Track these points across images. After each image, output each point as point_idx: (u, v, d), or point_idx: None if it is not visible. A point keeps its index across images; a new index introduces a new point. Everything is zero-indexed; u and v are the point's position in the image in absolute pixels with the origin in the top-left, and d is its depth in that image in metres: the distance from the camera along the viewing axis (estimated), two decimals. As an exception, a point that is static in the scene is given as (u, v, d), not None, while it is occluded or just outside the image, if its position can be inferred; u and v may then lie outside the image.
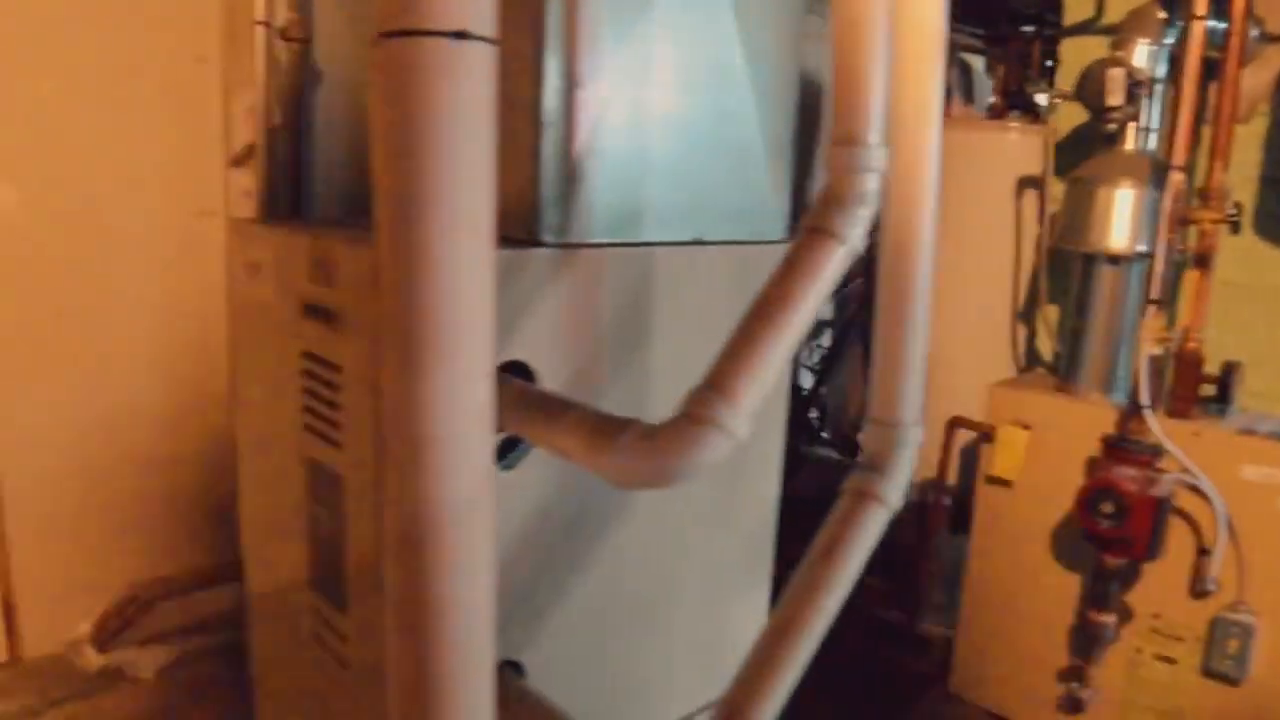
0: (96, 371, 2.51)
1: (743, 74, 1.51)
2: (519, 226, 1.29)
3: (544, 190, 1.28)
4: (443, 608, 1.03)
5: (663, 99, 1.40)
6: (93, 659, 2.29)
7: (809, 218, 1.16)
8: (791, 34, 1.58)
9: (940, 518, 2.53)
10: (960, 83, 3.20)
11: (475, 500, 1.03)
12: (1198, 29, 1.63)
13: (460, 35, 0.91)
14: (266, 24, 1.51)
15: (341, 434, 1.24)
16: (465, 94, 0.93)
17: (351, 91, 1.69)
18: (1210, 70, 1.87)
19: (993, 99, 2.72)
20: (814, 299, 1.11)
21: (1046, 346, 2.54)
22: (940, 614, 2.71)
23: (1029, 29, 2.59)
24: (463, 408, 0.99)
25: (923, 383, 1.37)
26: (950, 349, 2.73)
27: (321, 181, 1.66)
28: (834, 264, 1.13)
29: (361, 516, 1.25)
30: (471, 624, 1.05)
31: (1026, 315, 2.70)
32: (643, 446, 1.06)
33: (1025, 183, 2.64)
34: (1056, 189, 2.32)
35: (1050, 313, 2.49)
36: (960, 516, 2.70)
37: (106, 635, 2.30)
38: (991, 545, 2.22)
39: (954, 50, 3.24)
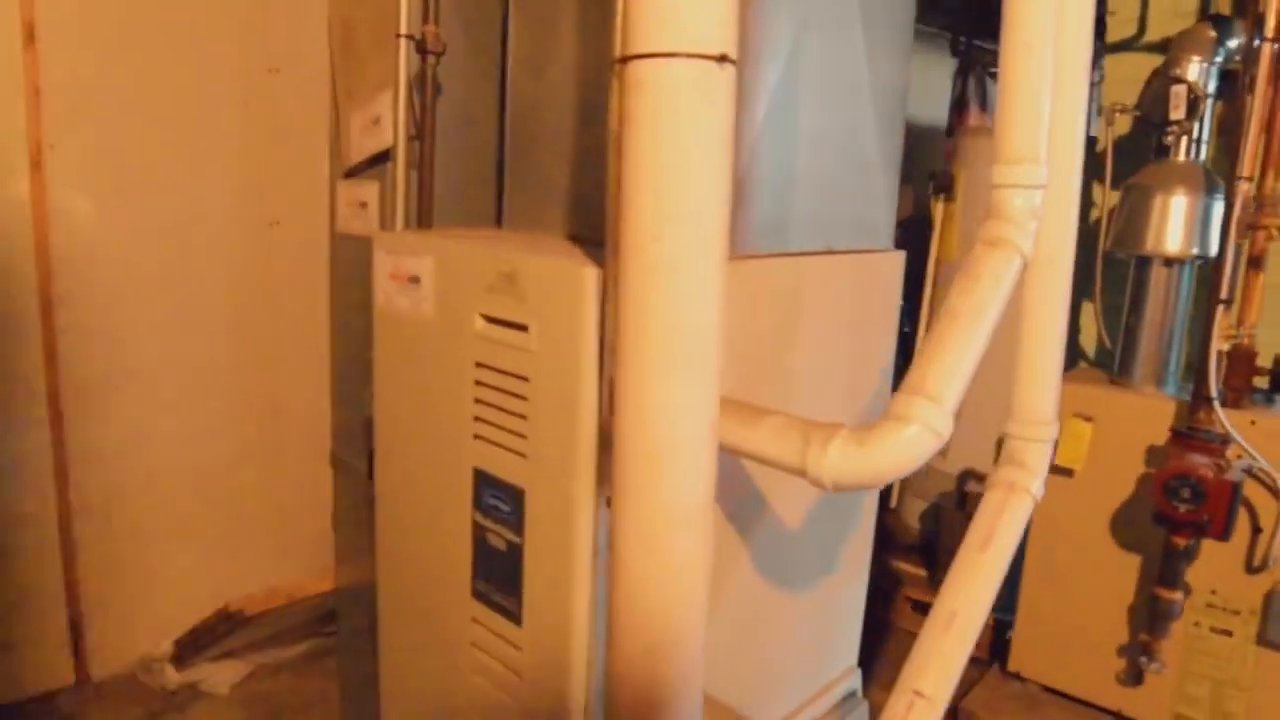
0: (166, 384, 2.48)
1: (867, 90, 1.58)
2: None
3: (716, 204, 1.32)
4: (672, 605, 1.08)
5: (807, 115, 1.46)
6: (172, 677, 2.27)
7: (987, 231, 1.24)
8: (905, 51, 1.66)
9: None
10: (977, 93, 3.34)
11: (706, 503, 1.08)
12: (1268, 50, 1.76)
13: (723, 59, 0.96)
14: (411, 37, 1.53)
15: (527, 446, 1.27)
16: (722, 115, 0.98)
17: (464, 105, 1.72)
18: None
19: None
20: (1001, 305, 1.18)
21: (1089, 343, 2.67)
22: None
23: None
24: (701, 415, 1.05)
25: (1059, 385, 1.46)
26: (990, 347, 2.83)
27: (440, 194, 1.68)
28: (1015, 272, 1.21)
29: (543, 528, 1.28)
30: (695, 618, 1.11)
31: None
32: (856, 450, 1.12)
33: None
34: (1103, 196, 2.44)
35: (1092, 311, 2.63)
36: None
37: (187, 652, 2.27)
38: (1052, 531, 2.33)
39: (974, 62, 3.38)
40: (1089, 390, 2.26)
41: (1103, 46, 2.48)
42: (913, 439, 1.10)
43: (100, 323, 2.37)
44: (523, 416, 1.27)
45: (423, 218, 1.64)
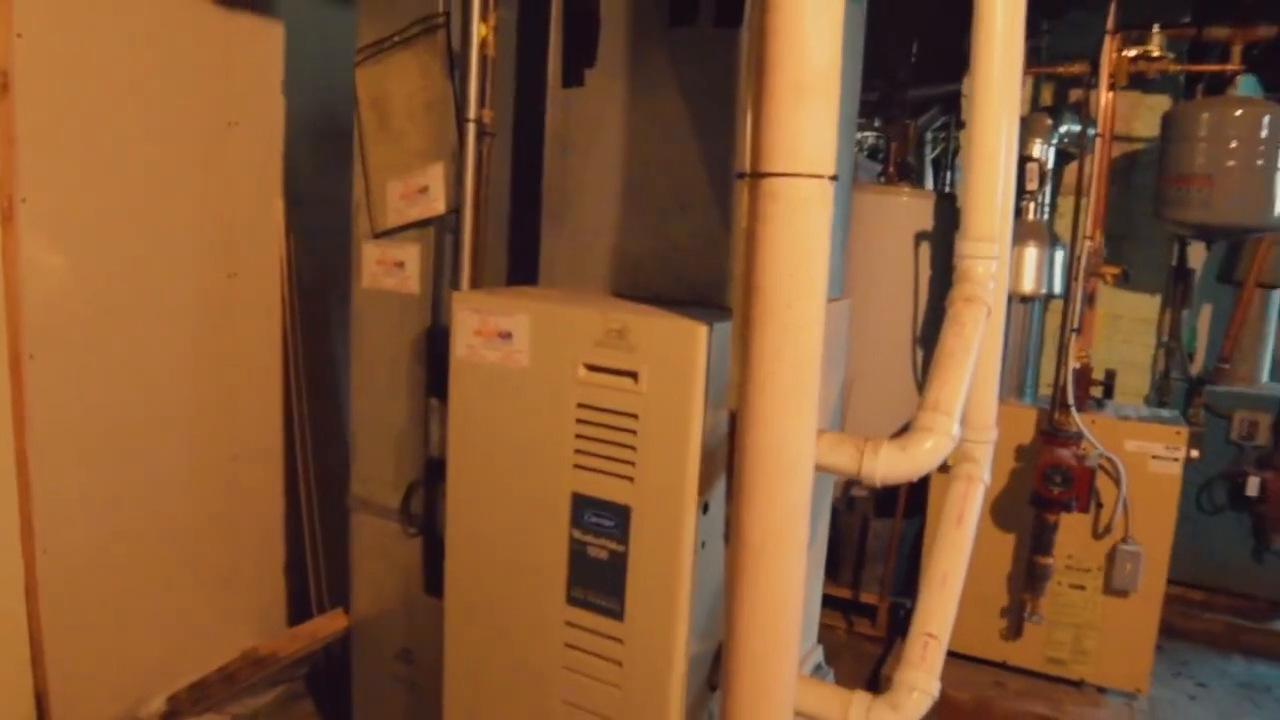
0: (131, 438, 2.45)
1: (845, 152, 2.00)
2: (714, 300, 1.69)
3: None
4: (788, 586, 1.41)
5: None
6: (165, 730, 2.27)
7: (961, 290, 1.67)
8: (853, 115, 2.09)
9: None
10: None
11: (809, 504, 1.42)
12: (1099, 144, 2.37)
13: (833, 178, 1.32)
14: (474, 122, 1.76)
15: (634, 471, 1.55)
16: (830, 217, 1.33)
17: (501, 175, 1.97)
18: (1060, 160, 2.64)
19: (890, 170, 3.42)
20: (978, 343, 1.61)
21: (956, 364, 3.26)
22: (877, 585, 3.35)
23: (920, 120, 3.33)
24: (810, 435, 1.39)
25: (996, 401, 1.93)
26: (868, 368, 3.39)
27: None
28: (983, 320, 1.65)
29: (647, 538, 1.56)
30: (800, 590, 1.44)
31: (924, 340, 3.42)
32: (900, 455, 1.50)
33: (919, 236, 3.37)
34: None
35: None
36: (885, 504, 3.36)
37: (178, 710, 2.27)
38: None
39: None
40: (972, 403, 2.81)
41: (956, 122, 3.09)
42: (938, 444, 1.50)
43: (70, 378, 2.34)
44: (631, 447, 1.55)
45: (475, 278, 1.87)
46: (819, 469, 1.54)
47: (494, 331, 1.68)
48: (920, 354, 3.43)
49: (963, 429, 1.90)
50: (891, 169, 3.43)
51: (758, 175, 1.31)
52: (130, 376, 2.48)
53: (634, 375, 1.54)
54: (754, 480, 1.38)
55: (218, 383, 2.68)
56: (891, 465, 1.49)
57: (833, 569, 3.32)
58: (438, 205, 1.87)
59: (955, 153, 3.91)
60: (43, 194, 2.23)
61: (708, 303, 1.75)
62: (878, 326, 3.44)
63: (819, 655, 2.37)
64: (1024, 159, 2.62)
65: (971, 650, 2.88)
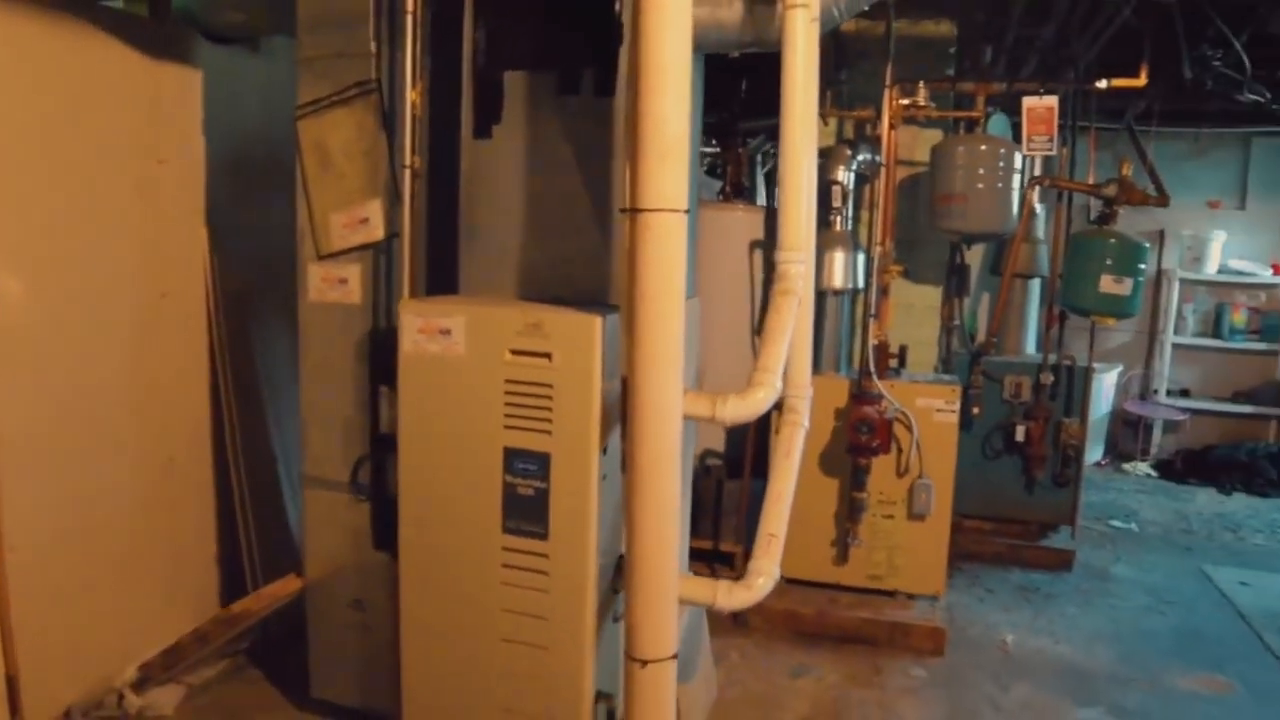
0: (79, 443, 2.74)
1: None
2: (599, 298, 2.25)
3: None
4: (669, 497, 1.99)
5: (668, 218, 2.44)
6: (134, 702, 2.58)
7: (778, 286, 2.31)
8: (696, 152, 2.70)
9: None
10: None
11: (680, 438, 2.01)
12: (884, 172, 3.10)
13: (686, 211, 1.91)
14: (409, 168, 2.25)
15: (551, 426, 2.09)
16: (686, 238, 1.92)
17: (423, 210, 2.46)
18: (859, 180, 3.39)
19: (727, 189, 4.11)
20: (792, 324, 2.26)
21: (789, 347, 3.97)
22: (733, 535, 4.01)
23: (751, 142, 4.03)
24: (678, 391, 1.98)
25: (809, 365, 2.58)
26: (716, 353, 4.04)
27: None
28: (795, 307, 2.29)
29: (564, 476, 2.10)
30: (677, 501, 2.02)
31: (760, 329, 4.11)
32: (742, 401, 2.11)
33: (753, 245, 4.06)
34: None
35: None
36: (734, 467, 4.03)
37: (147, 678, 2.59)
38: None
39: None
40: (801, 377, 3.51)
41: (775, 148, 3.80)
42: (766, 394, 2.13)
43: (27, 392, 2.62)
44: (548, 409, 2.09)
45: (413, 289, 2.35)
46: (689, 416, 2.14)
47: (435, 329, 2.18)
48: (758, 343, 4.12)
49: (785, 387, 2.56)
50: (728, 188, 4.11)
51: (635, 210, 1.89)
52: (77, 388, 2.77)
53: (548, 356, 2.08)
54: (642, 423, 1.95)
55: (153, 391, 2.99)
56: (736, 409, 2.10)
57: (696, 525, 3.95)
58: (377, 232, 2.34)
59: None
60: (3, 222, 2.51)
61: (595, 301, 2.32)
62: (722, 319, 4.10)
63: (692, 581, 2.97)
64: (830, 182, 3.34)
65: (809, 576, 3.57)
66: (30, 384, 2.63)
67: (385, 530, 2.45)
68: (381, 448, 2.45)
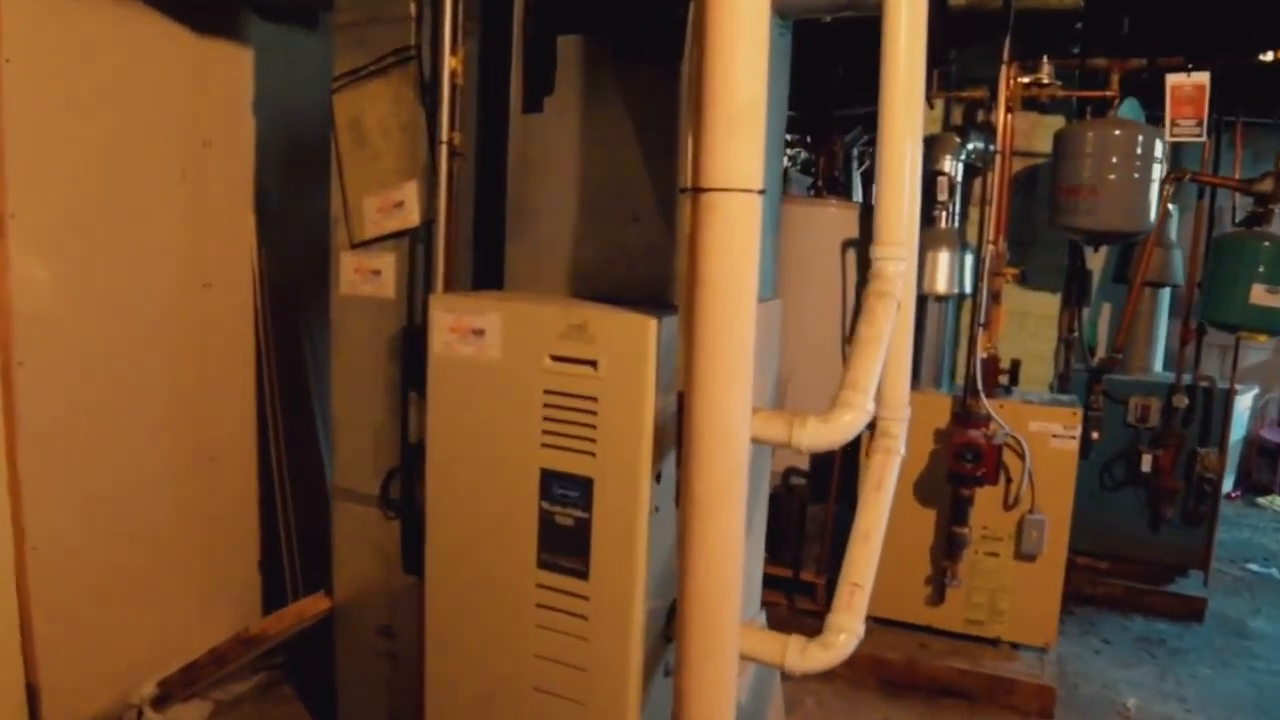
0: (114, 441, 2.59)
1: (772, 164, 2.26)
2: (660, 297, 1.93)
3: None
4: (728, 537, 1.65)
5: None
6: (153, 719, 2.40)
7: (874, 286, 1.95)
8: (781, 133, 2.35)
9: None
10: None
11: (745, 465, 1.67)
12: (999, 161, 2.69)
13: (761, 192, 1.57)
14: (446, 144, 1.98)
15: (595, 447, 1.78)
16: (759, 224, 1.58)
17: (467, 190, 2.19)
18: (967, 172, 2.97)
19: (819, 183, 3.73)
20: (889, 333, 1.89)
21: (882, 358, 3.57)
22: (815, 564, 3.63)
23: (847, 137, 3.64)
24: (745, 408, 1.64)
25: (909, 383, 2.21)
26: (802, 365, 3.68)
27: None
28: (894, 312, 1.92)
29: (609, 505, 1.79)
30: (740, 539, 1.68)
31: (852, 338, 3.72)
32: (824, 425, 1.76)
33: (846, 244, 3.67)
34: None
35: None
36: (820, 490, 3.65)
37: (169, 694, 2.41)
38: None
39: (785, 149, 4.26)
40: (895, 392, 3.11)
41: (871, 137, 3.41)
42: (855, 417, 1.76)
43: (57, 384, 2.47)
44: (592, 426, 1.78)
45: (448, 282, 2.08)
46: (758, 440, 1.80)
47: (468, 329, 1.90)
48: (848, 350, 3.73)
49: (879, 407, 2.19)
50: (820, 183, 3.73)
51: (699, 190, 1.56)
52: (113, 382, 2.62)
53: (594, 364, 1.77)
54: (699, 449, 1.62)
55: (195, 388, 2.83)
56: (817, 434, 1.75)
57: (775, 550, 3.59)
58: (412, 218, 2.08)
59: (879, 166, 4.24)
60: (31, 210, 2.37)
61: (655, 301, 2.00)
62: (810, 326, 3.73)
63: (762, 621, 2.63)
64: (935, 173, 2.93)
65: (899, 616, 3.17)
66: (61, 377, 2.48)
67: (416, 553, 2.19)
68: (413, 460, 2.19)
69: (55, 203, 2.44)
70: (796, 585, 3.63)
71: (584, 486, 1.82)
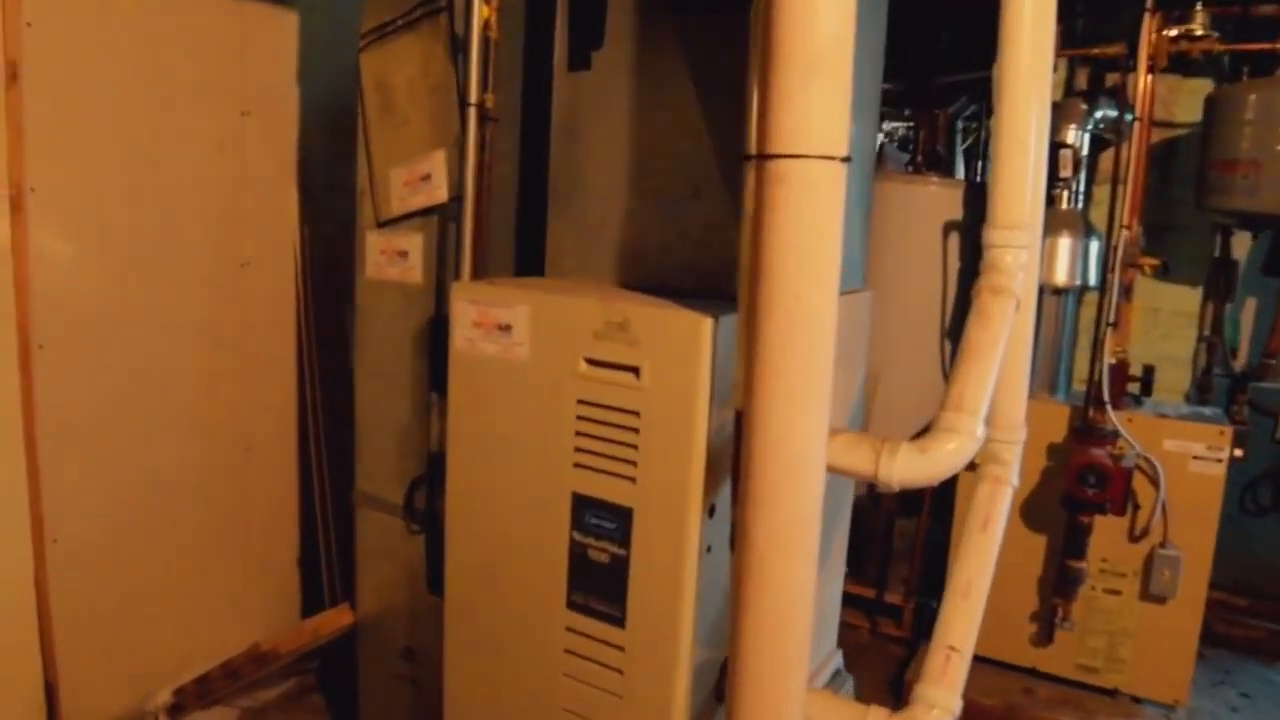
0: (140, 427, 2.43)
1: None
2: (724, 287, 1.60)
3: (776, 260, 1.59)
4: (796, 597, 1.33)
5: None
6: (166, 728, 2.24)
7: (988, 280, 1.58)
8: (876, 116, 1.99)
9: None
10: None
11: (819, 508, 1.34)
12: (1139, 128, 2.25)
13: (846, 159, 1.23)
14: (479, 105, 1.69)
15: (636, 471, 1.48)
16: (843, 200, 1.24)
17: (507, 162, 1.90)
18: (1096, 145, 2.51)
19: (918, 158, 3.31)
20: (1006, 337, 1.52)
21: (986, 358, 3.15)
22: (902, 585, 3.25)
23: (950, 108, 3.21)
24: (820, 435, 1.31)
25: (1025, 399, 1.83)
26: (895, 364, 3.28)
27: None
28: (1013, 312, 1.55)
29: (650, 540, 1.49)
30: (809, 600, 1.36)
31: (952, 334, 3.31)
32: (918, 456, 1.41)
33: (949, 227, 3.25)
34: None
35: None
36: (911, 502, 3.26)
37: (184, 704, 2.25)
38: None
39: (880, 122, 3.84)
40: (1001, 399, 2.70)
41: (985, 109, 2.98)
42: (961, 446, 1.41)
43: (79, 367, 2.32)
44: (633, 446, 1.48)
45: (477, 269, 1.80)
46: (833, 471, 1.46)
47: (493, 323, 1.62)
48: (949, 348, 3.32)
49: (989, 428, 1.81)
50: (920, 158, 3.31)
51: (764, 157, 1.23)
52: (141, 367, 2.45)
53: (635, 370, 1.47)
54: (760, 483, 1.30)
55: (230, 373, 2.65)
56: (910, 468, 1.41)
57: (857, 567, 3.24)
58: (440, 193, 1.82)
59: (986, 141, 3.77)
60: (51, 183, 2.20)
61: (718, 293, 1.67)
62: (904, 320, 3.32)
63: (838, 660, 2.29)
64: (1057, 145, 2.50)
65: (1000, 655, 2.77)
66: (84, 360, 2.32)
67: (440, 571, 1.94)
68: (437, 470, 1.93)
69: (79, 176, 2.27)
70: (880, 607, 3.27)
71: (622, 517, 1.52)
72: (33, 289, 2.19)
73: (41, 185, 2.18)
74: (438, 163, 1.81)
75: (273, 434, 2.84)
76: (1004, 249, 1.58)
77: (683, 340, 1.41)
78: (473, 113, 1.70)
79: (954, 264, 3.23)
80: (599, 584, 1.56)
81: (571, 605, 1.59)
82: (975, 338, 1.51)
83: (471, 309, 1.64)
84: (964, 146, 4.45)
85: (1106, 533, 2.56)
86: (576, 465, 1.55)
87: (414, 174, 1.85)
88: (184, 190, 2.50)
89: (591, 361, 1.51)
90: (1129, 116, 2.40)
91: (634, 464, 1.48)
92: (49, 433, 2.26)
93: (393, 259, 1.93)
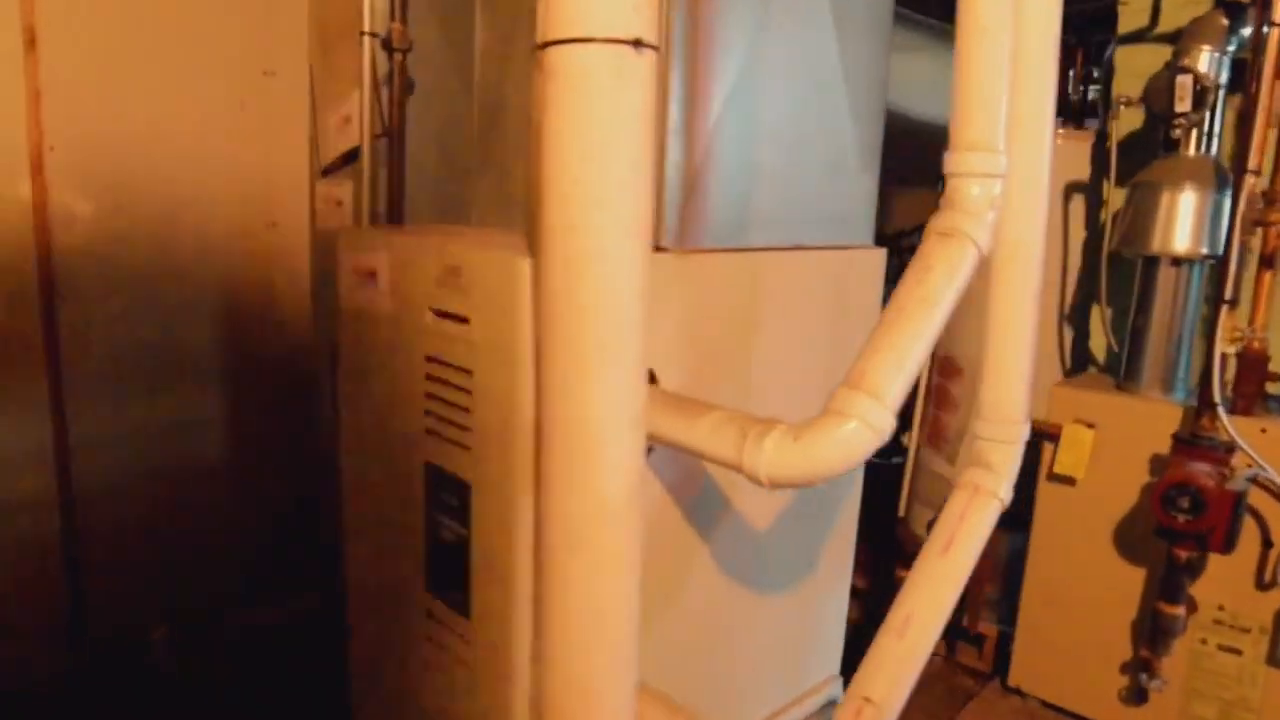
0: (168, 382, 2.51)
1: (839, 83, 1.54)
2: (643, 233, 1.32)
3: (667, 198, 1.31)
4: (603, 605, 1.06)
5: (769, 109, 1.43)
6: (169, 665, 2.30)
7: (938, 222, 1.20)
8: (883, 46, 1.62)
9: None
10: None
11: (631, 501, 1.06)
12: (1276, 35, 1.68)
13: (638, 43, 0.94)
14: (373, 34, 1.53)
15: (471, 439, 1.26)
16: (639, 99, 0.96)
17: (445, 99, 1.72)
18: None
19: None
20: (951, 299, 1.14)
21: (1099, 347, 2.58)
22: (992, 610, 2.75)
23: (1071, 39, 2.64)
24: (624, 410, 1.02)
25: (1030, 382, 1.41)
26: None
27: (415, 188, 1.68)
28: (968, 265, 1.17)
29: (487, 521, 1.27)
30: (628, 618, 1.09)
31: (1073, 317, 2.74)
32: (791, 446, 1.09)
33: (1072, 187, 2.68)
34: (1109, 193, 2.37)
35: (1099, 314, 2.54)
36: (1008, 513, 2.74)
37: (177, 642, 2.30)
38: (1053, 542, 2.25)
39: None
40: (1092, 396, 2.17)
41: (1114, 38, 2.40)
42: (850, 436, 1.07)
43: (99, 319, 2.41)
44: (467, 410, 1.26)
45: (394, 214, 1.64)
46: (702, 457, 1.17)
47: (365, 271, 1.46)
48: (1069, 330, 2.77)
49: (980, 422, 1.42)
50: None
51: (542, 47, 0.97)
52: (166, 326, 2.51)
53: (466, 320, 1.24)
54: (550, 465, 1.04)
55: (259, 335, 2.68)
56: (781, 460, 1.09)
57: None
58: (356, 135, 1.67)
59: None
60: (70, 143, 2.28)
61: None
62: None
63: (836, 689, 1.94)
64: (1179, 71, 1.93)
65: (1082, 709, 2.26)
66: (107, 314, 2.42)
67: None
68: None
69: (99, 134, 2.34)
70: (960, 633, 2.79)
71: (462, 492, 1.31)
72: (55, 245, 2.30)
73: (60, 144, 2.27)
74: (354, 104, 1.66)
75: (293, 396, 2.86)
76: (966, 178, 1.19)
77: (502, 286, 1.18)
78: (366, 42, 1.53)
79: (1077, 229, 2.68)
80: (449, 567, 1.36)
81: (432, 588, 1.40)
82: (903, 296, 1.14)
83: (349, 258, 1.49)
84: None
85: (1228, 574, 1.98)
86: (428, 431, 1.35)
87: (339, 116, 1.72)
88: (206, 150, 2.52)
89: (437, 312, 1.31)
90: (1268, 28, 1.80)
91: (468, 430, 1.27)
92: (73, 386, 2.36)
93: (333, 209, 1.82)
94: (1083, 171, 2.63)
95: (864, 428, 1.06)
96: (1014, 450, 1.39)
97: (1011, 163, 1.28)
